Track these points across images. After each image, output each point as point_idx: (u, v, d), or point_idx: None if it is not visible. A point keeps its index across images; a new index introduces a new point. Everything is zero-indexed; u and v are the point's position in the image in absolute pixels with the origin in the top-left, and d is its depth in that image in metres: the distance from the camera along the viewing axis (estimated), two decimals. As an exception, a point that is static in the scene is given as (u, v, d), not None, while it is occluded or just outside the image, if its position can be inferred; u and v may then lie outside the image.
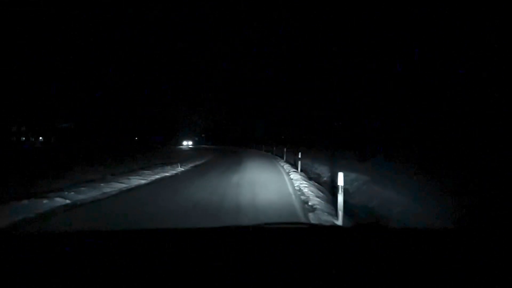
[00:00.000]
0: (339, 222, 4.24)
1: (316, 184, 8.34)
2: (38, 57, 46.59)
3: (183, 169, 11.94)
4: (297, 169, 10.76)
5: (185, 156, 20.72)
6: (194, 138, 67.15)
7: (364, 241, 1.22)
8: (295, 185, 7.43)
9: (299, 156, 10.86)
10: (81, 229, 1.81)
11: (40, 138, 55.92)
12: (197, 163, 15.58)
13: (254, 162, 15.23)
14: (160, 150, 29.98)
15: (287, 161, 15.23)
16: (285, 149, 16.19)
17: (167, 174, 10.21)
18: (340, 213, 4.25)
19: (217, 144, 56.43)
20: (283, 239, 1.28)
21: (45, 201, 5.27)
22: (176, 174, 10.65)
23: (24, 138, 53.98)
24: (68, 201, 5.50)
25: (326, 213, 4.87)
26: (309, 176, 10.28)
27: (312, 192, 6.58)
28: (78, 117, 54.19)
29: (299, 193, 6.66)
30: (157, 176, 9.50)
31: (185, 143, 62.28)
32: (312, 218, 4.62)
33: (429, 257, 1.01)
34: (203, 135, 78.23)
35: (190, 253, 1.08)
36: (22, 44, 45.77)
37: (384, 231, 1.49)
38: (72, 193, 6.07)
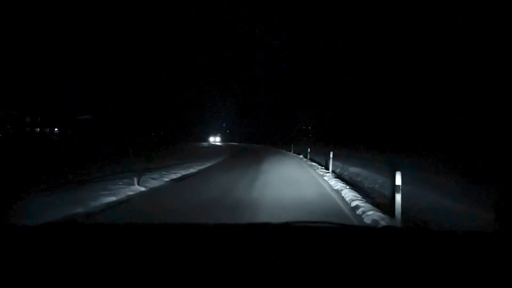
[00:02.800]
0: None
1: None
2: (57, 46, 43.49)
3: (143, 189, 6.22)
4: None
5: (186, 157, 15.11)
6: (218, 134, 62.12)
7: (394, 244, 1.16)
8: None
9: (398, 183, 4.07)
10: None
11: (56, 129, 53.32)
12: (192, 170, 9.91)
13: (281, 176, 9.21)
14: (169, 149, 24.89)
15: (339, 176, 9.08)
16: (331, 154, 9.95)
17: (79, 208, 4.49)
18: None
19: (252, 141, 50.25)
20: (310, 238, 1.22)
21: None
22: (119, 203, 4.97)
23: (38, 129, 51.46)
24: None
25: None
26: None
27: None
28: (97, 109, 50.99)
29: None
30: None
31: (211, 139, 57.60)
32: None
33: (469, 263, 0.95)
34: (228, 130, 73.23)
35: (215, 248, 1.07)
36: (42, 32, 42.88)
37: (417, 234, 1.42)
38: None
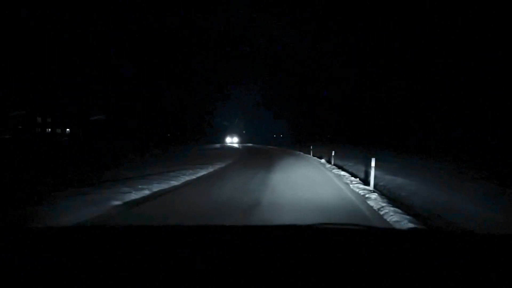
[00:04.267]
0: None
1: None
2: (69, 47, 42.28)
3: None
4: None
5: (185, 161, 12.34)
6: (235, 134, 59.46)
7: (421, 247, 1.13)
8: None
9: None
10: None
11: (67, 130, 52.19)
12: (173, 183, 7.11)
13: (298, 198, 6.22)
14: (175, 150, 22.53)
15: (388, 196, 5.90)
16: (373, 162, 6.71)
17: None
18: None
19: (268, 142, 46.64)
20: (337, 240, 1.20)
21: None
22: None
23: (49, 130, 50.46)
24: None
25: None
26: None
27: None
28: (110, 109, 49.66)
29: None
30: None
31: (228, 139, 55.31)
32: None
33: (495, 266, 0.92)
34: (244, 132, 70.65)
35: (245, 249, 1.07)
36: (54, 32, 41.92)
37: (443, 236, 1.39)
38: None
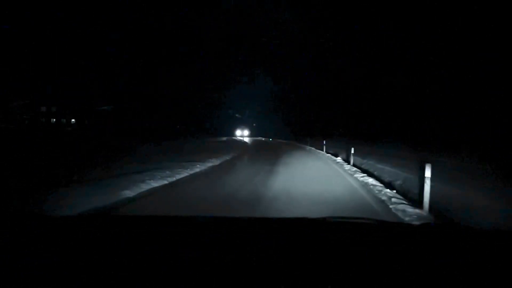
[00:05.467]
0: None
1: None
2: (75, 35, 40.62)
3: None
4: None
5: (178, 156, 10.15)
6: (246, 128, 57.41)
7: (434, 242, 1.09)
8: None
9: None
10: None
11: (73, 120, 50.93)
12: (128, 195, 4.82)
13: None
14: (175, 143, 20.56)
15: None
16: (428, 171, 4.30)
17: None
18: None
19: (278, 136, 43.86)
20: (347, 234, 1.18)
21: None
22: None
23: (54, 120, 49.27)
24: None
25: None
26: None
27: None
28: (117, 100, 48.09)
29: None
30: None
31: (238, 132, 53.78)
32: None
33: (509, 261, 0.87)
34: (254, 124, 68.27)
35: (253, 242, 1.04)
36: (58, 22, 40.39)
37: (455, 231, 1.31)
38: None
